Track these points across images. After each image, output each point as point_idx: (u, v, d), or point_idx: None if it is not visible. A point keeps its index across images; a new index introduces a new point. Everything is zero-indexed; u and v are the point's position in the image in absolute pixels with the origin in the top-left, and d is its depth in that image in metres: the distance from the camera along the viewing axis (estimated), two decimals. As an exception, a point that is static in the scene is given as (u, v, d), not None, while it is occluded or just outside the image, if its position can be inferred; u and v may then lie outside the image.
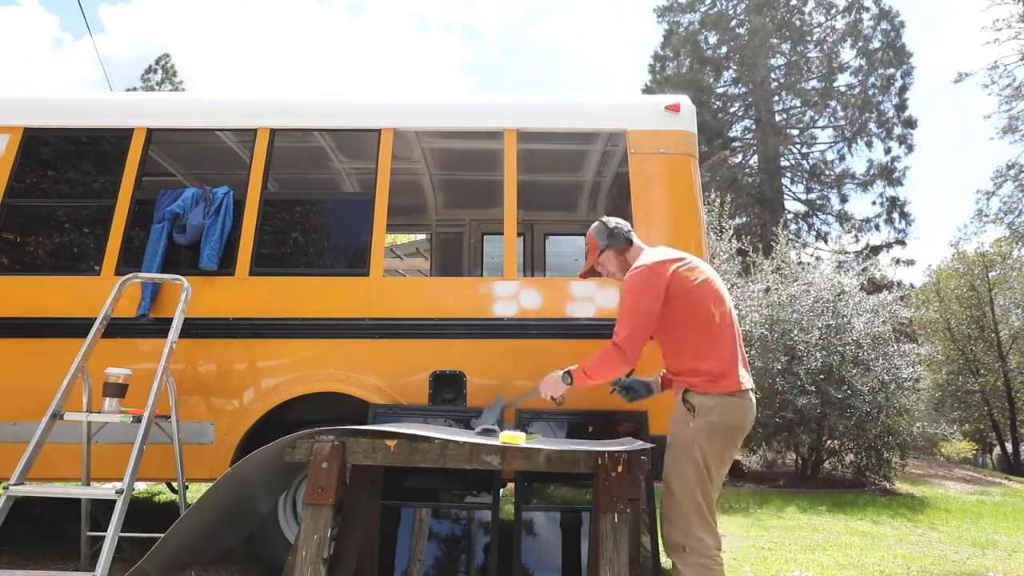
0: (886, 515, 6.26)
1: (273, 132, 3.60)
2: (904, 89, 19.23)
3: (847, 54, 19.95)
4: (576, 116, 3.77)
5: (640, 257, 2.49)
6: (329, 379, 3.21)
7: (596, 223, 2.66)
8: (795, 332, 7.96)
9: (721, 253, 9.06)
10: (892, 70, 19.20)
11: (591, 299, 3.30)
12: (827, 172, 19.88)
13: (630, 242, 2.60)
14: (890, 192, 19.26)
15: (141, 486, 5.45)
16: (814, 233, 19.90)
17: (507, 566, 2.74)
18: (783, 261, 9.21)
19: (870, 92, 19.29)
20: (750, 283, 8.80)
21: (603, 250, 2.61)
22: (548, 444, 2.30)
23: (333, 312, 3.29)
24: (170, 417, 2.97)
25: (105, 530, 2.45)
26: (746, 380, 2.31)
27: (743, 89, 20.60)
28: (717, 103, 20.42)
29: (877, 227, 19.33)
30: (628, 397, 2.60)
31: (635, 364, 2.36)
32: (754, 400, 2.35)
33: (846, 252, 18.27)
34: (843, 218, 19.21)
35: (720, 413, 2.24)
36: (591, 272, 2.77)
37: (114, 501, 2.50)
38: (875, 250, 18.59)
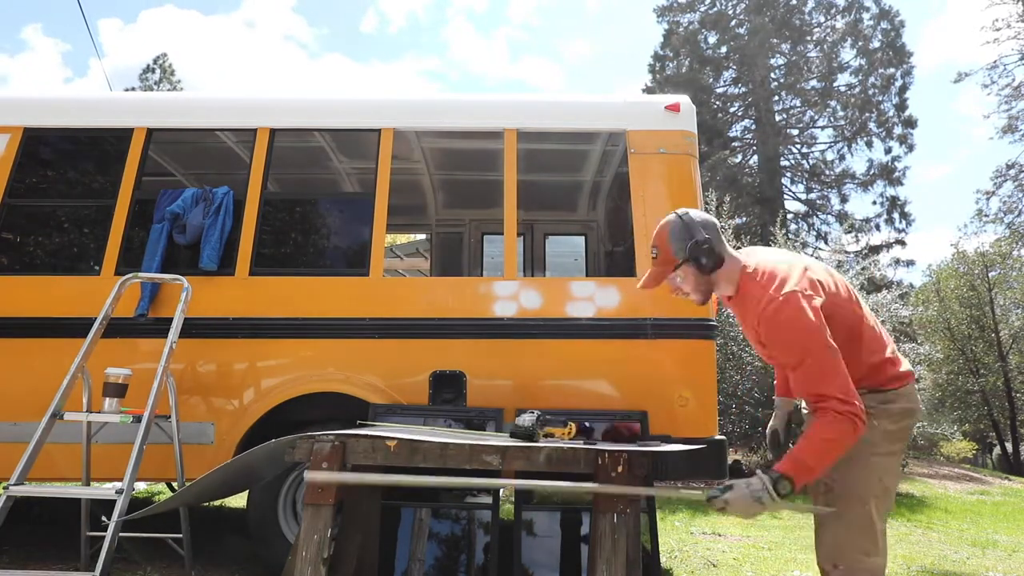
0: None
1: (273, 132, 3.60)
2: (904, 89, 19.26)
3: (847, 54, 19.98)
4: (576, 116, 3.77)
5: (752, 276, 1.85)
6: (329, 379, 3.21)
7: (673, 219, 1.92)
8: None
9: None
10: (892, 70, 19.22)
11: (591, 299, 3.30)
12: (827, 172, 19.89)
13: (722, 259, 1.89)
14: (890, 192, 19.28)
15: (141, 486, 5.45)
16: (814, 233, 19.92)
17: (507, 566, 2.74)
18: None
19: (870, 92, 19.30)
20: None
21: (681, 264, 1.91)
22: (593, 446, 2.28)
23: (333, 312, 3.29)
24: (170, 417, 2.97)
25: (105, 530, 2.45)
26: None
27: (743, 89, 20.60)
28: (717, 103, 20.43)
29: (877, 227, 19.35)
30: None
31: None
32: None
33: (846, 252, 18.28)
34: (843, 218, 19.22)
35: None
36: (657, 283, 2.00)
37: (114, 501, 2.50)
38: (875, 250, 18.61)
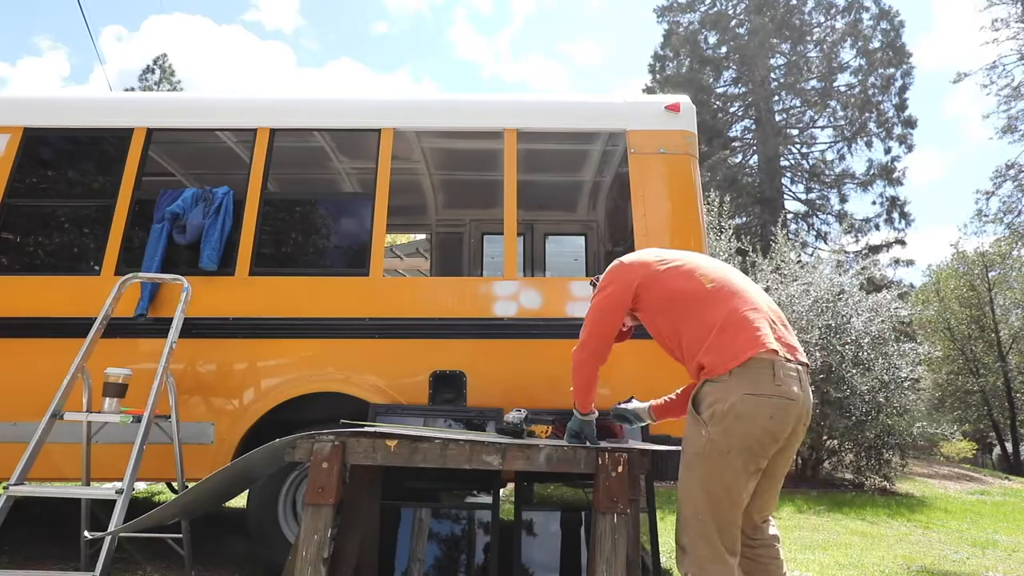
0: (886, 515, 6.26)
1: (273, 132, 3.60)
2: (904, 89, 19.26)
3: (847, 54, 19.97)
4: (576, 116, 3.77)
5: None
6: (329, 379, 3.21)
7: None
8: (795, 332, 7.96)
9: (721, 253, 9.06)
10: (892, 70, 19.22)
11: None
12: (827, 172, 19.89)
13: None
14: (890, 192, 19.28)
15: (141, 486, 5.45)
16: (814, 233, 19.92)
17: (507, 566, 2.74)
18: (782, 261, 9.21)
19: (870, 92, 19.30)
20: (750, 283, 8.80)
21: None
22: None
23: (333, 312, 3.29)
24: (170, 417, 2.97)
25: (105, 530, 2.45)
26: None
27: (743, 89, 20.61)
28: (717, 103, 20.43)
29: (877, 227, 19.35)
30: (626, 423, 2.47)
31: (601, 363, 2.16)
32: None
33: (846, 252, 18.29)
34: (843, 218, 19.22)
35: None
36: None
37: (114, 501, 2.50)
38: (875, 250, 18.61)
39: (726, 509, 1.81)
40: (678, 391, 2.35)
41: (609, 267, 2.22)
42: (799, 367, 1.89)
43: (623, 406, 2.43)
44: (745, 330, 1.87)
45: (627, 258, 2.20)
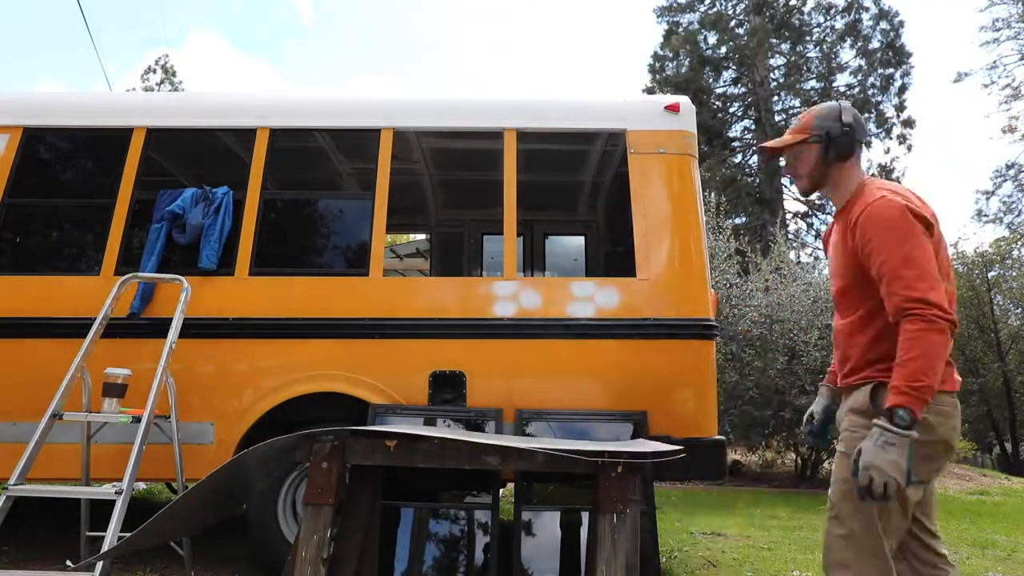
0: (886, 515, 6.25)
1: (273, 132, 3.61)
2: (904, 89, 19.24)
3: (847, 54, 19.96)
4: (576, 116, 3.77)
5: (866, 189, 1.80)
6: (329, 379, 3.21)
7: (833, 104, 1.92)
8: (795, 331, 7.96)
9: (720, 253, 9.07)
10: (892, 70, 19.21)
11: (591, 299, 3.30)
12: (827, 172, 19.86)
13: (850, 156, 1.87)
14: (890, 192, 19.26)
15: (141, 485, 5.45)
16: (814, 233, 19.92)
17: (507, 566, 2.74)
18: (782, 261, 9.22)
19: (870, 92, 19.29)
20: (749, 282, 8.81)
21: (813, 142, 1.89)
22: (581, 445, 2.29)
23: (333, 312, 3.29)
24: (170, 417, 2.97)
25: (104, 530, 2.45)
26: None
27: (743, 89, 20.60)
28: (717, 103, 20.42)
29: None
30: (823, 441, 2.12)
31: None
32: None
33: (846, 252, 18.27)
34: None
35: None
36: (777, 153, 2.01)
37: (114, 501, 2.50)
38: (874, 250, 18.58)
39: (899, 519, 1.69)
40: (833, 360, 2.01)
41: (888, 211, 1.69)
42: None
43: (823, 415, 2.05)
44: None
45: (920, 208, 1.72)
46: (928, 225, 1.69)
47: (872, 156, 19.58)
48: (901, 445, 1.54)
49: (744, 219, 18.18)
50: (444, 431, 2.97)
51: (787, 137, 1.96)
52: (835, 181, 1.90)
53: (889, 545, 1.68)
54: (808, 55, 20.15)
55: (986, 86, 17.77)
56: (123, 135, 3.60)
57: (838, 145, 1.85)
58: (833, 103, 1.91)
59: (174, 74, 23.33)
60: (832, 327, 2.20)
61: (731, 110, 20.81)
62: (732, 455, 8.95)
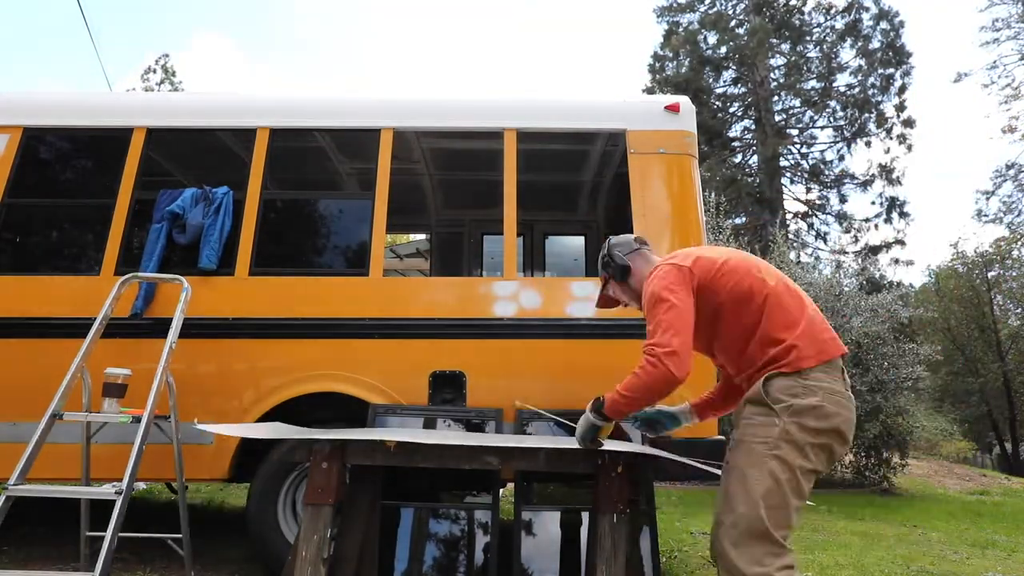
0: (886, 515, 6.26)
1: (273, 132, 3.61)
2: (904, 89, 19.23)
3: (847, 54, 19.95)
4: (576, 116, 3.77)
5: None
6: (329, 379, 3.21)
7: (604, 248, 2.30)
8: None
9: (720, 253, 9.06)
10: (892, 70, 19.20)
11: (591, 299, 3.29)
12: (827, 172, 19.87)
13: (628, 268, 2.21)
14: (889, 192, 19.27)
15: (140, 485, 5.45)
16: (813, 233, 19.92)
17: (507, 566, 2.74)
18: (782, 261, 9.22)
19: (870, 92, 19.29)
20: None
21: (607, 280, 2.29)
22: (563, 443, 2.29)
23: (333, 312, 3.29)
24: (169, 417, 2.97)
25: (104, 530, 2.45)
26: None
27: (743, 89, 20.59)
28: (717, 103, 20.41)
29: (876, 227, 19.35)
30: (652, 432, 2.32)
31: (684, 379, 1.87)
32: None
33: (845, 252, 18.31)
34: (843, 218, 19.21)
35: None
36: (608, 302, 2.39)
37: (114, 501, 2.50)
38: (874, 250, 18.60)
39: (789, 506, 1.72)
40: (714, 387, 2.27)
41: (659, 270, 2.02)
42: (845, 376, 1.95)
43: (651, 410, 2.27)
44: (827, 330, 1.90)
45: (678, 260, 2.02)
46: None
47: (872, 156, 19.68)
48: (595, 421, 2.02)
49: (744, 219, 18.17)
50: (444, 431, 2.97)
51: (600, 292, 2.37)
52: (639, 283, 2.18)
53: (779, 534, 1.71)
54: (808, 55, 20.15)
55: (986, 86, 17.84)
56: (123, 135, 3.59)
57: (614, 268, 2.23)
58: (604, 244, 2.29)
59: (174, 74, 23.30)
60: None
61: (731, 110, 20.81)
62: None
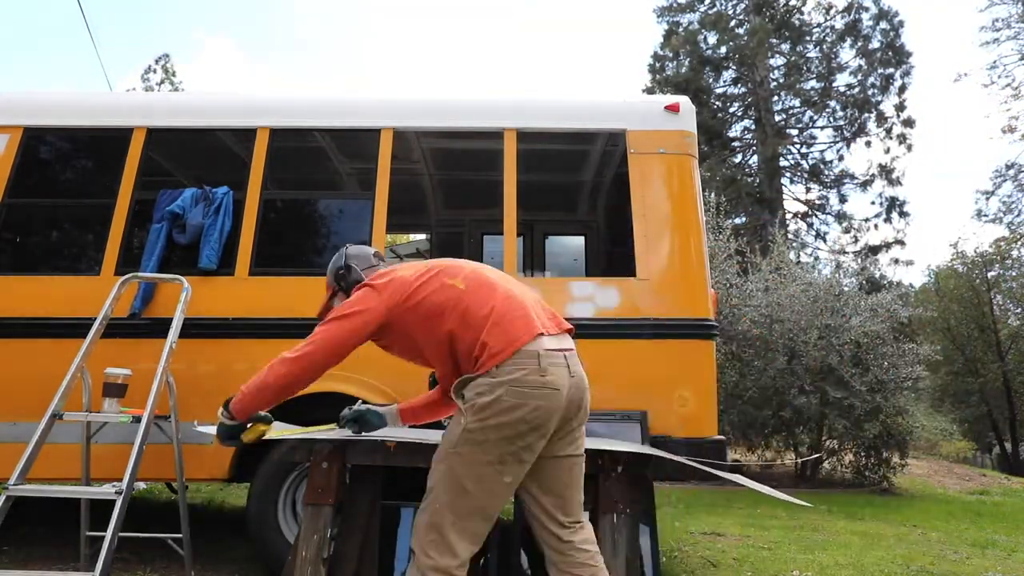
0: (885, 515, 6.26)
1: (273, 132, 3.61)
2: (903, 89, 19.24)
3: (846, 54, 19.95)
4: (576, 116, 3.77)
5: None
6: (329, 378, 3.18)
7: (337, 253, 2.27)
8: (794, 331, 7.97)
9: (719, 253, 9.07)
10: (892, 70, 19.20)
11: (591, 299, 3.30)
12: (826, 172, 19.88)
13: (359, 282, 2.12)
14: (889, 192, 19.28)
15: (141, 486, 5.45)
16: (813, 233, 19.93)
17: (507, 566, 2.74)
18: (782, 261, 9.22)
19: (870, 92, 19.29)
20: (749, 282, 8.82)
21: (335, 291, 2.23)
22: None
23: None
24: (169, 417, 2.97)
25: (104, 530, 2.45)
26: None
27: (743, 89, 20.59)
28: (717, 103, 20.41)
29: (876, 227, 19.36)
30: (360, 430, 2.30)
31: (307, 384, 2.03)
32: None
33: (845, 252, 18.31)
34: (842, 218, 19.22)
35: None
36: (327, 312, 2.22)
37: (114, 501, 2.50)
38: (874, 250, 18.61)
39: (472, 501, 1.74)
40: (430, 393, 2.29)
41: (359, 291, 2.02)
42: (566, 353, 1.87)
43: (357, 408, 2.32)
44: (522, 315, 1.85)
45: (376, 280, 2.01)
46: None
47: (872, 156, 19.67)
48: (223, 419, 2.17)
49: (744, 219, 18.18)
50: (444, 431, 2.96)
51: (325, 301, 2.28)
52: None
53: (456, 530, 1.74)
54: (808, 55, 20.15)
55: (986, 86, 17.86)
56: (123, 135, 3.60)
57: (344, 281, 2.18)
58: (337, 253, 2.25)
59: (174, 74, 23.33)
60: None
61: (731, 110, 20.81)
62: (732, 455, 8.94)
